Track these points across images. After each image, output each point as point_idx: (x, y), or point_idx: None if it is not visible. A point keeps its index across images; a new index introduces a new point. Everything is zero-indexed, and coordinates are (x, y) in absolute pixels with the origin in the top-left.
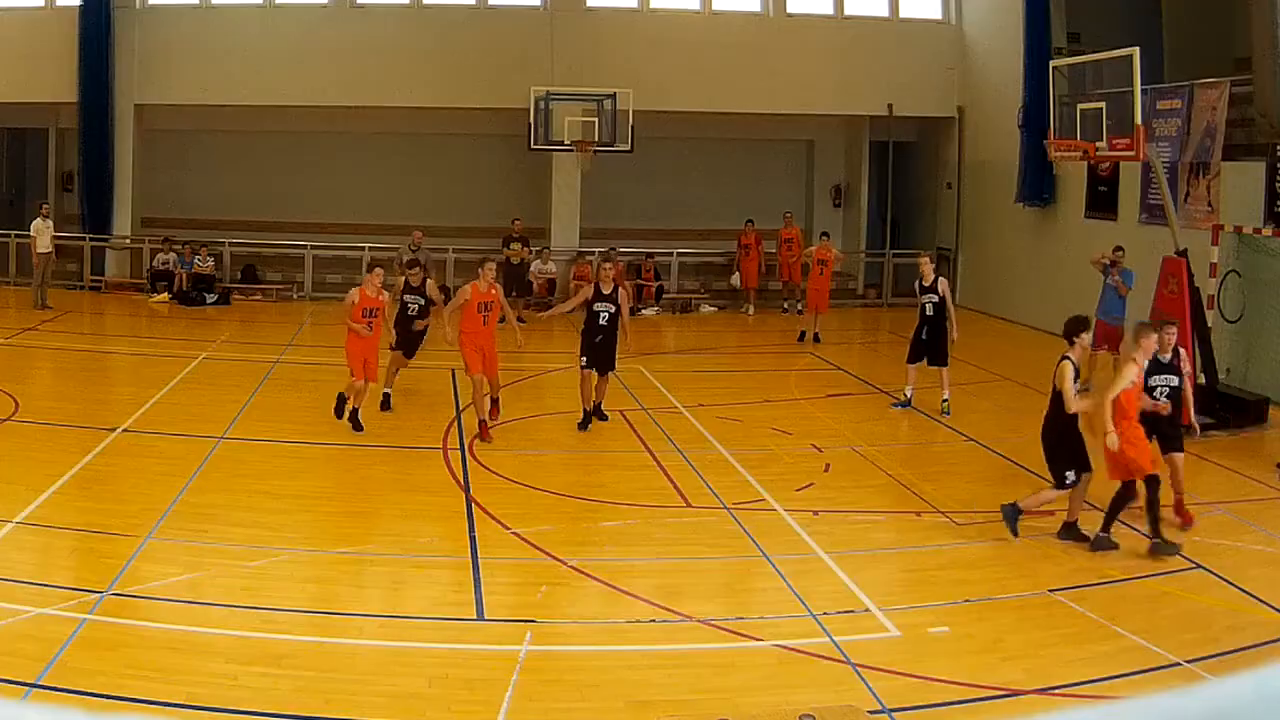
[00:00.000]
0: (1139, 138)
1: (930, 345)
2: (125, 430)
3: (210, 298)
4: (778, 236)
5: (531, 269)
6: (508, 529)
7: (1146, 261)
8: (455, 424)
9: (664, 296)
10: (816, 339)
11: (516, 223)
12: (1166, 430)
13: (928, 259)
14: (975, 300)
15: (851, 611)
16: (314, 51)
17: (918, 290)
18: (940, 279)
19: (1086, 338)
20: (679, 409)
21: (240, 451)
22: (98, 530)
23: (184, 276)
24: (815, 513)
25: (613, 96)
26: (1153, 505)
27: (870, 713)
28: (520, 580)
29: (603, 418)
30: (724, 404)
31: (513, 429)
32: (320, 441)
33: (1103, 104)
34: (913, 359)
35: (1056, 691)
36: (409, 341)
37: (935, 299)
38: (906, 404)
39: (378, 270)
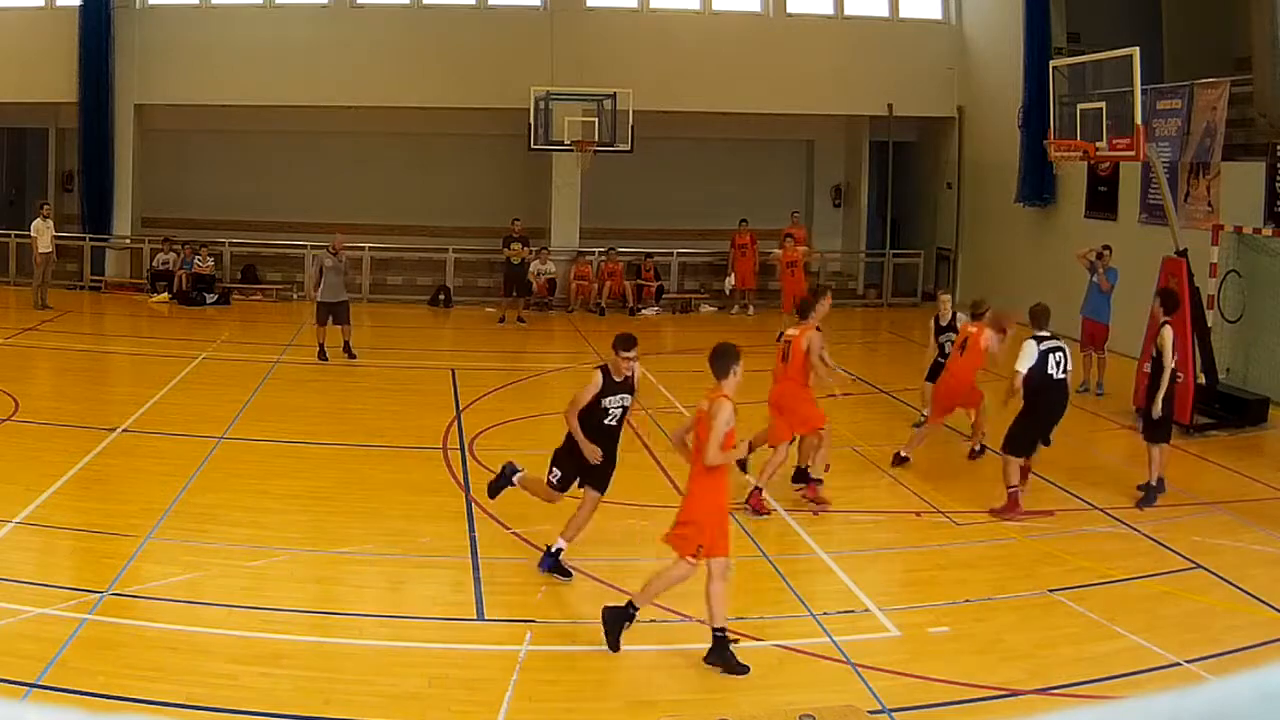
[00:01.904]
0: (1139, 138)
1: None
2: (125, 430)
3: (210, 298)
4: (781, 235)
5: (531, 269)
6: (508, 529)
7: (1146, 261)
8: (455, 424)
9: (664, 296)
10: None
11: (516, 223)
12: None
13: (948, 297)
14: None
15: (851, 611)
16: (314, 51)
17: (934, 329)
18: (957, 314)
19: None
20: (679, 409)
21: (240, 451)
22: (98, 530)
23: (184, 276)
24: (815, 513)
25: (613, 96)
26: None
27: (870, 713)
28: (520, 580)
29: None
30: None
31: (513, 429)
32: (320, 441)
33: (1103, 104)
34: (932, 378)
35: (1056, 691)
36: (601, 468)
37: (954, 337)
38: (923, 423)
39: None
